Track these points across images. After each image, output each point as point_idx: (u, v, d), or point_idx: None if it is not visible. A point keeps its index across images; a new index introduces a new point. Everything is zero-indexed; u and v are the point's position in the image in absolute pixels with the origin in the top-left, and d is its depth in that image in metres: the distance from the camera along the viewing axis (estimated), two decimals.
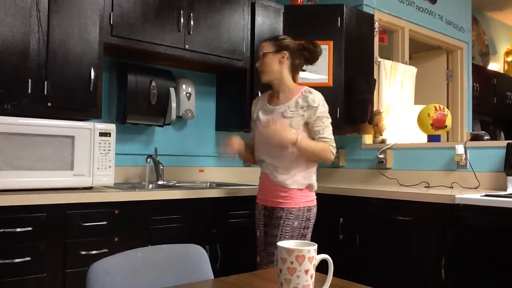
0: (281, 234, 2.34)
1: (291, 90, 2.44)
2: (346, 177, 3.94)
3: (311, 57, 2.48)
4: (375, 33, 3.86)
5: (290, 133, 2.29)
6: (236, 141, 2.50)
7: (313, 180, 2.44)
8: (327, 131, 2.38)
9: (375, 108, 3.80)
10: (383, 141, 3.74)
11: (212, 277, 1.45)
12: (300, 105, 2.37)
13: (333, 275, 1.17)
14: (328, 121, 2.40)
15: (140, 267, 1.37)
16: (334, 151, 2.38)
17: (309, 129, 2.38)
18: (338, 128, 3.50)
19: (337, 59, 3.48)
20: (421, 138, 3.66)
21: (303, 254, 1.08)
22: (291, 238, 2.33)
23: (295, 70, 2.50)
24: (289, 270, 1.09)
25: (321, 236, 3.22)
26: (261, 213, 2.50)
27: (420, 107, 3.56)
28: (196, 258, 1.48)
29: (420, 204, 2.73)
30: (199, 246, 1.49)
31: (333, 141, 2.38)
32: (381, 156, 3.64)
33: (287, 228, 2.35)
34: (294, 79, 2.52)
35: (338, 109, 3.45)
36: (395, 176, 3.57)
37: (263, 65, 2.45)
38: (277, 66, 2.43)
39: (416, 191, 2.88)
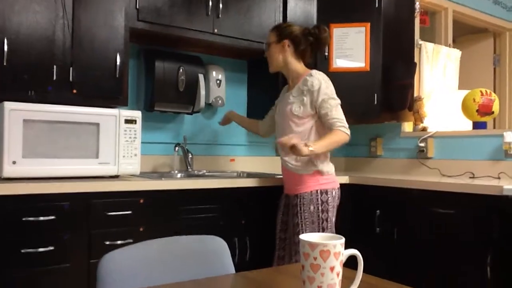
0: (301, 221, 2.38)
1: (298, 76, 2.47)
2: (384, 167, 3.75)
3: (317, 43, 2.49)
4: (415, 14, 3.64)
5: (301, 147, 2.16)
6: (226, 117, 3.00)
7: (321, 164, 2.42)
8: (335, 111, 2.35)
9: (415, 94, 3.59)
10: (424, 129, 3.53)
11: (233, 271, 1.34)
12: (301, 90, 2.40)
13: (368, 271, 1.04)
14: (334, 101, 2.37)
15: (155, 260, 1.28)
16: (347, 131, 2.34)
17: (318, 113, 2.37)
18: (375, 115, 3.34)
19: (375, 42, 3.29)
20: (466, 125, 3.44)
21: (328, 249, 0.95)
22: (312, 223, 2.38)
23: (302, 56, 2.50)
24: (312, 267, 0.96)
25: (356, 228, 3.09)
26: (282, 201, 2.59)
27: (465, 92, 3.34)
28: (216, 250, 1.38)
29: (464, 195, 2.53)
30: (219, 238, 1.39)
31: (343, 120, 2.35)
32: (422, 144, 3.44)
33: (305, 214, 2.38)
34: (305, 64, 2.52)
35: (375, 95, 3.27)
36: (437, 166, 3.36)
37: (268, 56, 2.53)
38: (280, 56, 2.48)
39: (459, 182, 2.68)
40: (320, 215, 2.37)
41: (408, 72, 3.39)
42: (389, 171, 3.68)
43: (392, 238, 2.88)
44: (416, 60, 3.67)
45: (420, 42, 3.79)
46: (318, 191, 2.38)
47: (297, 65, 2.49)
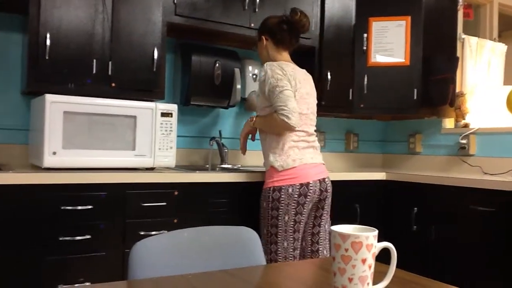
0: (259, 218, 2.40)
1: None
2: (423, 164, 3.65)
3: (291, 27, 2.42)
4: (458, 7, 3.52)
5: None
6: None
7: (275, 159, 2.33)
8: (278, 99, 2.27)
9: (457, 90, 3.48)
10: (466, 125, 3.41)
11: (264, 263, 1.33)
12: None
13: (404, 269, 1.00)
14: (278, 89, 2.28)
15: (185, 249, 1.29)
16: (285, 118, 2.23)
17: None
18: (414, 111, 3.25)
19: (415, 36, 3.20)
20: (510, 122, 3.30)
21: (360, 241, 0.93)
22: (263, 219, 2.36)
23: (282, 45, 2.45)
24: (343, 258, 0.94)
25: (392, 226, 3.02)
26: None
27: (510, 88, 3.20)
28: (247, 242, 1.37)
29: (507, 193, 2.43)
30: (251, 229, 1.38)
31: (285, 106, 2.24)
32: (464, 141, 3.32)
33: (261, 210, 2.38)
34: (290, 53, 2.51)
35: (415, 90, 3.19)
36: (479, 163, 3.24)
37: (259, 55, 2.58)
38: (264, 52, 2.49)
39: (502, 180, 2.57)
40: (270, 212, 2.31)
41: (450, 66, 3.28)
42: (428, 168, 3.58)
43: (429, 237, 2.80)
44: (458, 54, 3.55)
45: (463, 36, 3.66)
46: (271, 188, 2.31)
47: (278, 57, 2.44)
